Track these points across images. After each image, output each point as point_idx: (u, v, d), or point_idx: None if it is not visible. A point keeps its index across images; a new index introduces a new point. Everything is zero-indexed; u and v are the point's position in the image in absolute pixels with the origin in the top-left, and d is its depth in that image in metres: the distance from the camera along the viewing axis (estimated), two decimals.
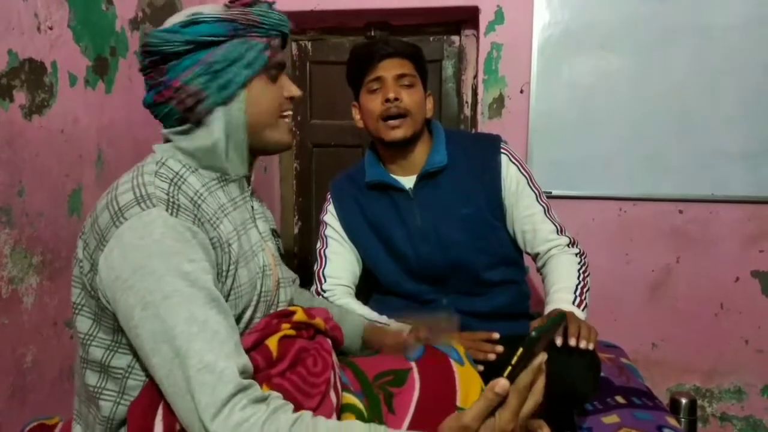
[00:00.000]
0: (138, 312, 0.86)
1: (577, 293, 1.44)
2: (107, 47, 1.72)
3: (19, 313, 1.42)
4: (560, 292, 1.44)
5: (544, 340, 0.82)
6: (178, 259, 0.88)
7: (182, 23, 1.00)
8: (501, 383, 0.74)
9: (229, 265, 0.99)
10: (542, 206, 1.56)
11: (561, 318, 0.86)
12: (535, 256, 1.58)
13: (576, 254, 1.53)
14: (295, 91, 1.11)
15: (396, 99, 1.48)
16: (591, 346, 1.27)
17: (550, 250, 1.54)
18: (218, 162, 1.03)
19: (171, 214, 0.92)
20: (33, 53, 1.44)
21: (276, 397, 0.87)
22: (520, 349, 0.74)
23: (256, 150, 1.09)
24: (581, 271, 1.50)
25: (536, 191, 1.57)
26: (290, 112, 1.11)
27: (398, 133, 1.50)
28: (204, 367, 0.83)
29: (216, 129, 1.01)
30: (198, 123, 1.01)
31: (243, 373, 0.85)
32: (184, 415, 0.84)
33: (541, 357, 0.78)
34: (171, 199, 0.94)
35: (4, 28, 1.36)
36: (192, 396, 0.82)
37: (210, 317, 0.87)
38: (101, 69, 1.70)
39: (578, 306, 1.41)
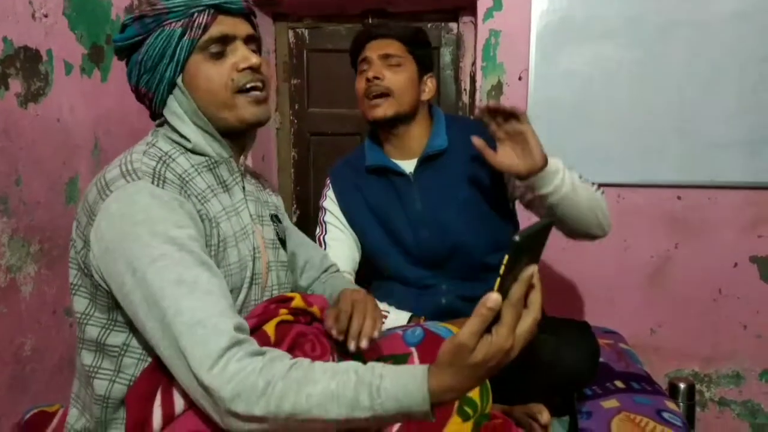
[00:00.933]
0: (128, 278, 0.87)
1: (575, 173, 1.40)
2: (103, 35, 1.71)
3: (17, 302, 1.42)
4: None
5: (532, 246, 0.77)
6: (164, 225, 0.89)
7: (119, 30, 1.04)
8: (492, 297, 0.72)
9: (218, 242, 0.99)
10: None
11: (548, 222, 0.81)
12: None
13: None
14: (246, 61, 1.01)
15: (376, 78, 1.48)
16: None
17: None
18: (197, 147, 1.03)
19: (157, 185, 0.93)
20: (28, 41, 1.44)
21: (272, 350, 0.86)
22: (506, 257, 0.71)
23: (228, 131, 1.05)
24: (591, 184, 1.45)
25: None
26: (254, 84, 1.02)
27: (379, 112, 1.50)
28: (197, 322, 0.82)
29: (174, 118, 1.03)
30: (164, 114, 1.04)
31: (238, 329, 0.85)
32: (182, 376, 0.84)
33: (531, 269, 0.76)
34: (157, 174, 0.95)
35: None
36: (185, 353, 0.81)
37: (200, 278, 0.87)
38: (97, 57, 1.69)
39: (567, 169, 1.37)
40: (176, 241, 0.88)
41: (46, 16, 1.49)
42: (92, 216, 0.93)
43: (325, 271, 1.35)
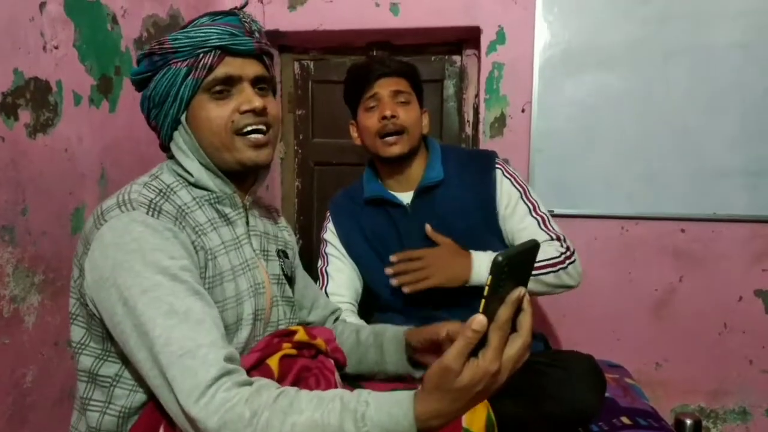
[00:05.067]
0: (119, 308, 0.87)
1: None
2: (112, 66, 1.73)
3: (20, 333, 1.41)
4: None
5: (517, 267, 0.74)
6: (157, 255, 0.89)
7: (130, 61, 1.08)
8: (477, 319, 0.71)
9: (213, 275, 0.99)
10: (537, 218, 1.56)
11: (533, 244, 0.78)
12: None
13: (563, 251, 1.51)
14: (249, 103, 1.00)
15: (393, 116, 1.51)
16: None
17: None
18: (200, 182, 1.04)
19: (151, 216, 0.93)
20: (38, 72, 1.45)
21: (260, 379, 0.85)
22: (489, 277, 0.69)
23: (228, 170, 1.05)
24: (557, 257, 1.49)
25: (531, 204, 1.57)
26: (255, 127, 1.01)
27: (395, 150, 1.53)
28: (186, 353, 0.81)
29: (179, 153, 1.04)
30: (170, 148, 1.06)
31: (228, 360, 0.84)
32: (170, 406, 0.83)
33: (518, 291, 0.73)
34: (153, 205, 0.95)
35: (11, 48, 1.37)
36: (173, 384, 0.80)
37: (193, 308, 0.86)
38: (106, 88, 1.71)
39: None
40: (168, 271, 0.88)
41: (56, 47, 1.51)
42: (87, 245, 0.93)
43: (333, 312, 1.35)
